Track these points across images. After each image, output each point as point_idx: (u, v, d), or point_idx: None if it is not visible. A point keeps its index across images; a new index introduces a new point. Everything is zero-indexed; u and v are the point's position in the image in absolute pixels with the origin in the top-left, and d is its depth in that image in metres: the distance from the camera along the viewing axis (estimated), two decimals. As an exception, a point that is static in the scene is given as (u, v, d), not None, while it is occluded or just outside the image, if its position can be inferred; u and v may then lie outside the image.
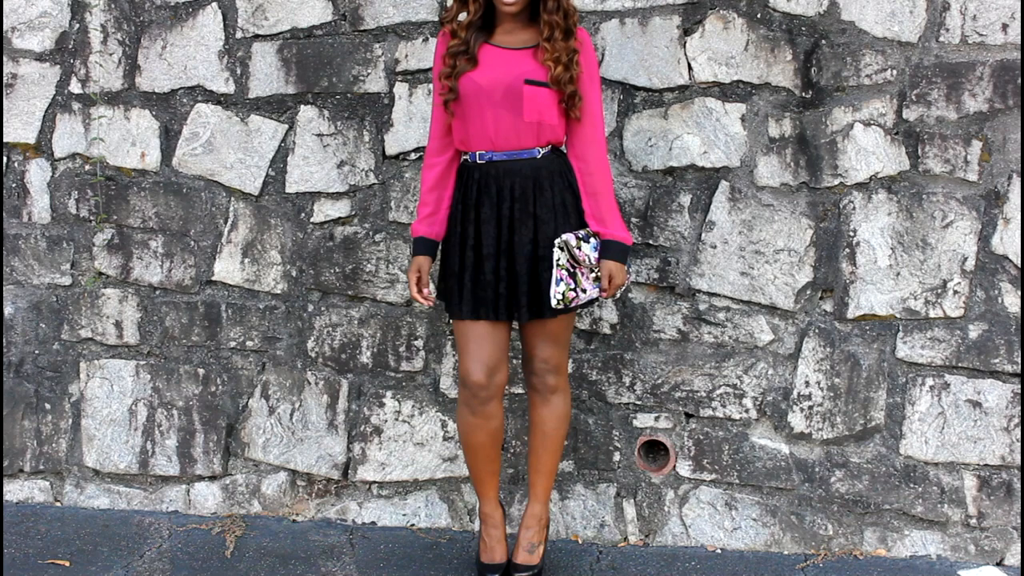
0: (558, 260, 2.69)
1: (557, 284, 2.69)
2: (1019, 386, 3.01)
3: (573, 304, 2.73)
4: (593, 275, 2.74)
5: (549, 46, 2.64)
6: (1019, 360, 3.00)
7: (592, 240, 2.74)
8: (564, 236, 2.69)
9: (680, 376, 3.17)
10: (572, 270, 2.71)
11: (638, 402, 3.20)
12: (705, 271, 3.12)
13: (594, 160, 2.74)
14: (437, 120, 2.80)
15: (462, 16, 2.72)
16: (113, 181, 3.41)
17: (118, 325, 3.45)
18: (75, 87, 3.39)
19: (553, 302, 2.69)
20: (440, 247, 2.87)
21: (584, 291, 2.73)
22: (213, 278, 3.40)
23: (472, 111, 2.70)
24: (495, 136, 2.70)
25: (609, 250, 2.74)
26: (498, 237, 2.73)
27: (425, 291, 2.84)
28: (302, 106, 3.29)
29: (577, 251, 2.70)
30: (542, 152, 2.73)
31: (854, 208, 3.04)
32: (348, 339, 3.34)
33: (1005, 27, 2.93)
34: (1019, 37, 2.92)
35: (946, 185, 3.00)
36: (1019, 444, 3.02)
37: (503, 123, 2.69)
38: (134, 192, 3.40)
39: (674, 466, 3.20)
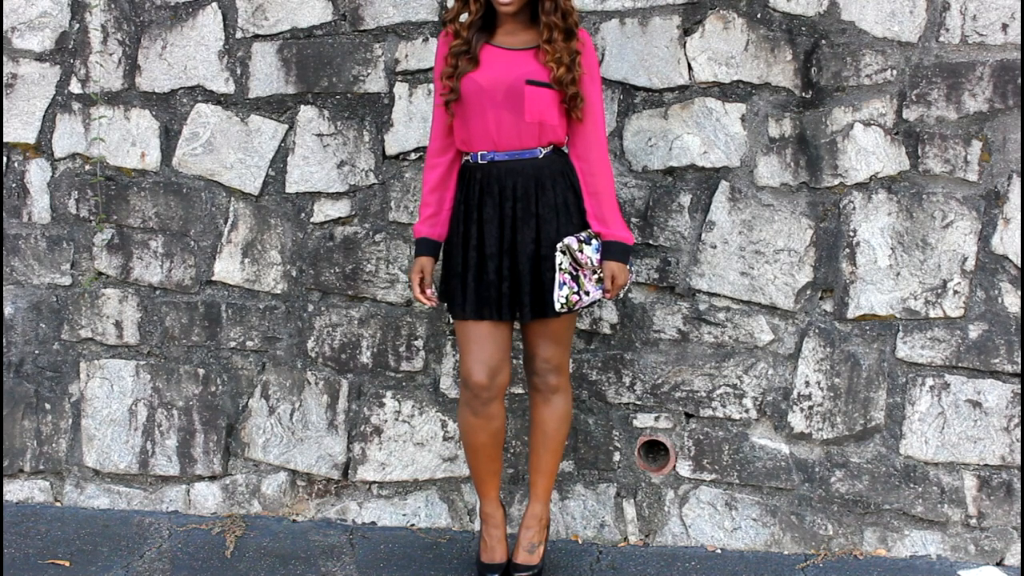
0: (560, 264, 2.69)
1: (560, 288, 2.69)
2: (1019, 386, 3.01)
3: (577, 307, 2.73)
4: (596, 276, 2.75)
5: (550, 48, 2.64)
6: (1019, 360, 3.00)
7: (594, 241, 2.74)
8: (566, 240, 2.70)
9: (680, 376, 3.17)
10: (575, 273, 2.71)
11: (638, 402, 3.20)
12: (705, 271, 3.12)
13: (596, 160, 2.74)
14: (438, 120, 2.80)
15: (464, 16, 2.72)
16: (113, 181, 3.41)
17: (118, 325, 3.45)
18: (75, 87, 3.39)
19: (557, 306, 2.70)
20: (442, 248, 2.87)
21: (587, 293, 2.73)
22: (213, 278, 3.40)
23: (473, 111, 2.70)
24: (497, 136, 2.70)
25: (611, 251, 2.74)
26: (500, 237, 2.73)
27: (428, 292, 2.85)
28: (302, 106, 3.29)
29: (579, 254, 2.70)
30: (543, 152, 2.73)
31: (854, 208, 3.04)
32: (348, 339, 3.34)
33: (1005, 27, 2.93)
34: (1019, 37, 2.92)
35: (946, 185, 3.00)
36: (1019, 444, 3.02)
37: (504, 123, 2.69)
38: (134, 192, 3.40)
39: (674, 466, 3.20)
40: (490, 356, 2.75)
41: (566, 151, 2.81)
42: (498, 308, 2.74)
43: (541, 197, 2.71)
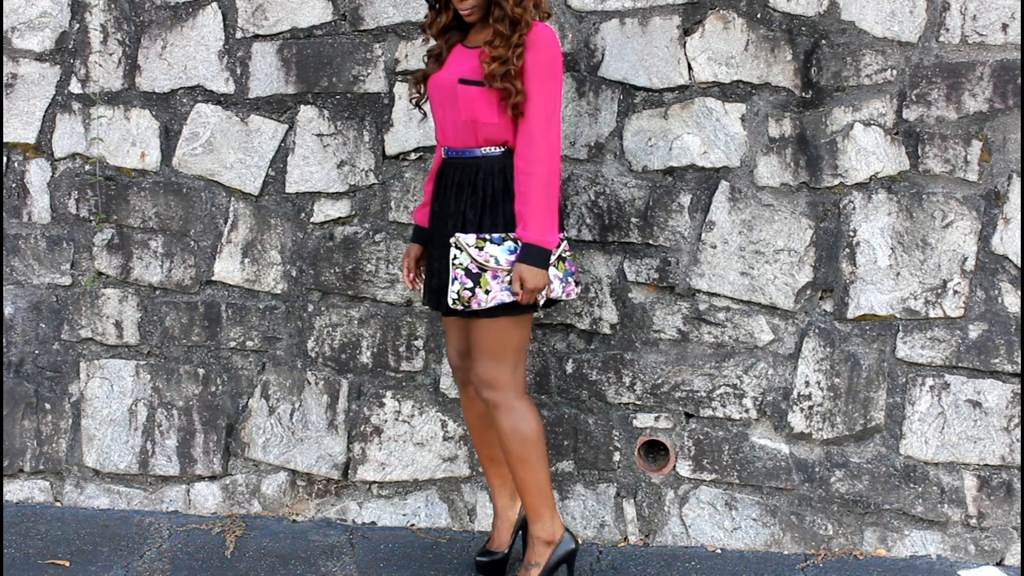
0: (454, 259, 2.64)
1: (452, 283, 2.65)
2: (1019, 386, 3.01)
3: (473, 305, 2.64)
4: (508, 278, 2.66)
5: (489, 49, 2.61)
6: (1019, 360, 3.00)
7: (507, 243, 2.66)
8: (459, 235, 2.65)
9: (680, 376, 3.17)
10: (476, 272, 2.64)
11: (638, 402, 3.20)
12: (705, 271, 3.12)
13: (534, 159, 2.62)
14: None
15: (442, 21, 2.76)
16: (113, 181, 3.41)
17: (118, 325, 3.45)
18: (75, 87, 3.39)
19: (449, 300, 2.65)
20: None
21: (487, 292, 2.63)
22: (213, 278, 3.40)
23: (434, 109, 2.77)
24: (445, 134, 2.75)
25: (523, 253, 2.62)
26: (440, 231, 2.77)
27: (411, 276, 2.95)
28: (302, 106, 3.29)
29: (476, 251, 2.63)
30: (483, 152, 2.69)
31: (854, 208, 3.04)
32: (348, 339, 3.34)
33: (1005, 27, 2.93)
34: (1019, 37, 2.92)
35: (946, 185, 3.00)
36: (1019, 444, 3.02)
37: (449, 121, 2.72)
38: (134, 192, 3.40)
39: (674, 466, 3.20)
40: (454, 341, 2.91)
41: None
42: (430, 299, 2.80)
43: (471, 196, 2.69)
